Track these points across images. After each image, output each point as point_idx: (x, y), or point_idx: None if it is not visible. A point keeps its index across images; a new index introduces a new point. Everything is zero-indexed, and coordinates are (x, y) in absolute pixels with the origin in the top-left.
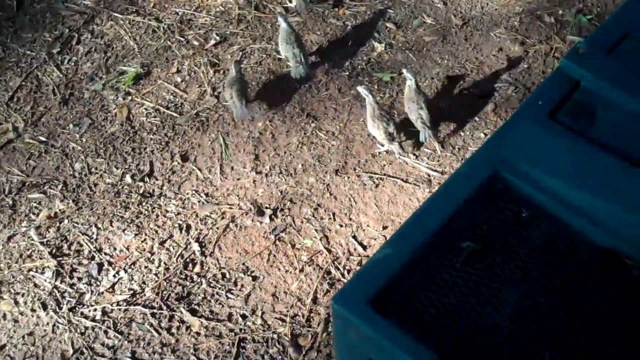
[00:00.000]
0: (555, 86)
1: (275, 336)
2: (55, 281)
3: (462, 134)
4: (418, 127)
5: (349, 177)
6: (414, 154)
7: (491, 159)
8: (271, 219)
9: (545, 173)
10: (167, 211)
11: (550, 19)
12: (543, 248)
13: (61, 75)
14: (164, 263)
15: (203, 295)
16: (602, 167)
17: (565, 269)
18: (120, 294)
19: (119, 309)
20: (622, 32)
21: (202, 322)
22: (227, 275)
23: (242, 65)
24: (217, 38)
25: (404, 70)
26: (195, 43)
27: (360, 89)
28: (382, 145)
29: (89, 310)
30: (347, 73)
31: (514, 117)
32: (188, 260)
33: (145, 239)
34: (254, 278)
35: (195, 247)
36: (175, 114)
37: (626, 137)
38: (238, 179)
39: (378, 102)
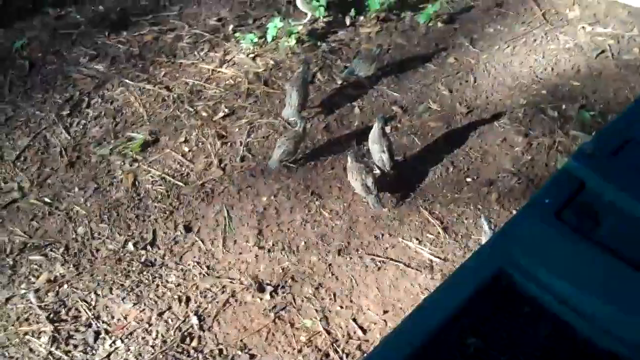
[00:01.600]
0: (561, 185)
1: None
2: (51, 347)
3: (465, 221)
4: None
5: (351, 258)
6: (417, 239)
7: (497, 255)
8: (272, 296)
9: (550, 273)
10: (167, 281)
11: (554, 112)
12: (547, 347)
13: (69, 138)
14: (162, 335)
15: None
16: (605, 271)
17: None
18: None
19: None
20: (627, 134)
21: None
22: (225, 352)
23: (249, 139)
24: (226, 110)
25: (377, 118)
26: (204, 114)
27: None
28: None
29: None
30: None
31: (521, 213)
32: (186, 333)
33: (144, 309)
34: (252, 356)
35: (194, 320)
36: (180, 184)
37: (630, 240)
38: (240, 253)
39: (357, 159)
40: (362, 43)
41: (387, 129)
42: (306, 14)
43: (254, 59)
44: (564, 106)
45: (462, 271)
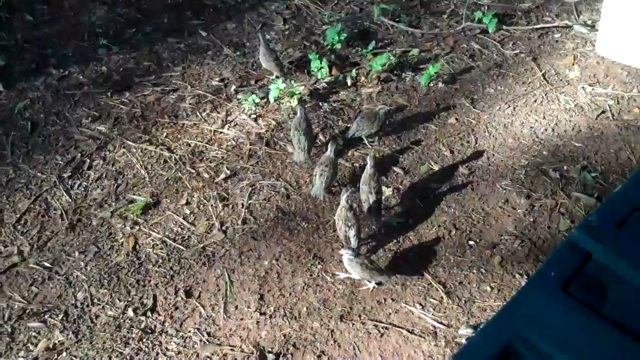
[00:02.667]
0: (567, 257)
1: None
2: None
3: (468, 285)
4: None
5: (354, 324)
6: (420, 304)
7: (504, 330)
8: None
9: (557, 348)
10: (167, 349)
11: (556, 174)
12: None
13: (70, 200)
14: None
15: None
16: (613, 347)
17: None
18: None
19: None
20: (631, 206)
21: None
22: None
23: (250, 201)
24: (228, 172)
25: (367, 157)
26: (206, 175)
27: (343, 197)
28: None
29: None
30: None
31: (527, 287)
32: None
33: None
34: None
35: None
36: (181, 247)
37: (637, 314)
38: (242, 319)
39: (351, 208)
40: (363, 103)
41: (389, 191)
42: (309, 75)
43: (255, 119)
44: (565, 167)
45: (469, 347)
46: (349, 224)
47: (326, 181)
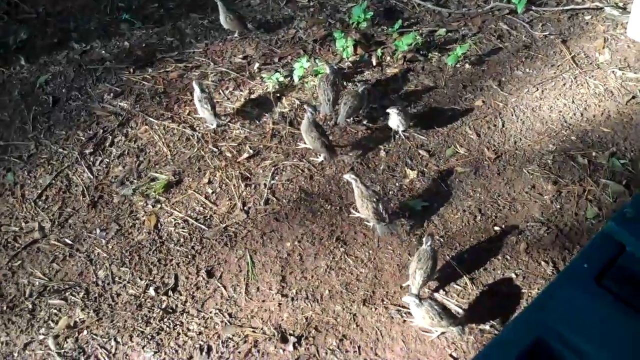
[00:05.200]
0: (601, 249)
1: None
2: None
3: (492, 272)
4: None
5: (376, 309)
6: (444, 289)
7: (535, 325)
8: (295, 347)
9: (589, 342)
10: (188, 329)
11: (584, 160)
12: None
13: (92, 177)
14: None
15: None
16: None
17: None
18: None
19: None
20: None
21: None
22: None
23: (273, 182)
24: (250, 151)
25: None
26: (228, 154)
27: (346, 176)
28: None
29: None
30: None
31: (559, 279)
32: None
33: (164, 358)
34: None
35: None
36: (203, 227)
37: None
38: (263, 301)
39: (365, 184)
40: (389, 84)
41: (414, 174)
42: (335, 53)
43: (279, 98)
44: (594, 153)
45: (499, 342)
46: (374, 199)
47: (348, 111)
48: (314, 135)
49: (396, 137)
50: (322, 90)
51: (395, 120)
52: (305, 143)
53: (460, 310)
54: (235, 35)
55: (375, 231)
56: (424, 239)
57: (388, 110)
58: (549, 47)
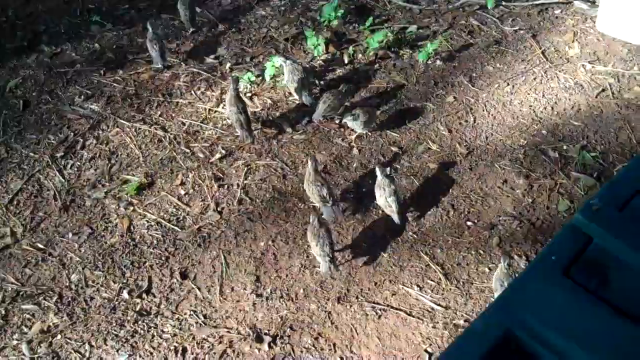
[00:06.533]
0: (568, 241)
1: None
2: None
3: (466, 267)
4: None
5: (351, 306)
6: (418, 286)
7: (504, 316)
8: (270, 347)
9: (558, 335)
10: (163, 332)
11: (555, 153)
12: None
13: (63, 181)
14: None
15: None
16: (614, 332)
17: None
18: None
19: None
20: (634, 188)
21: None
22: None
23: (246, 182)
24: (223, 152)
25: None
26: (201, 155)
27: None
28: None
29: None
30: (352, 196)
31: (528, 272)
32: None
33: None
34: None
35: None
36: (177, 228)
37: (639, 299)
38: (238, 301)
39: (316, 169)
40: (360, 81)
41: (387, 171)
42: (307, 52)
43: (251, 98)
44: (564, 147)
45: (469, 335)
46: (319, 184)
47: (326, 109)
48: (234, 110)
49: (367, 136)
50: (292, 84)
51: (351, 125)
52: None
53: (435, 306)
54: (158, 65)
55: (323, 214)
56: (377, 170)
57: (343, 120)
58: (519, 42)
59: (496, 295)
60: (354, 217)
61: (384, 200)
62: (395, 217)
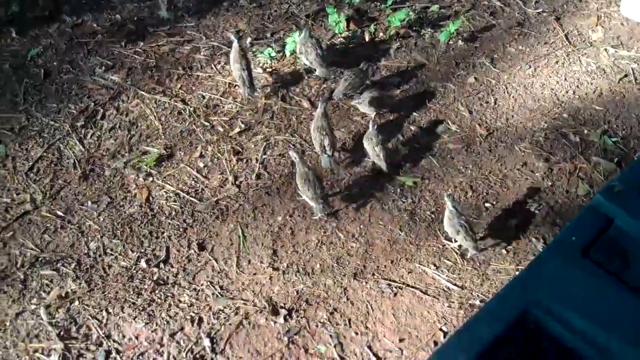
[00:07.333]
0: (588, 222)
1: None
2: None
3: (483, 248)
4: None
5: (367, 283)
6: (434, 265)
7: (522, 296)
8: (285, 320)
9: (577, 315)
10: (180, 301)
11: (576, 137)
12: None
13: (83, 150)
14: (173, 357)
15: None
16: (632, 312)
17: None
18: None
19: None
20: None
21: None
22: None
23: (264, 156)
24: (242, 126)
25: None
26: (220, 129)
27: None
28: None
29: None
30: (370, 174)
31: (547, 252)
32: (198, 356)
33: (155, 329)
34: None
35: (206, 342)
36: (195, 200)
37: None
38: (254, 274)
39: (325, 114)
40: (380, 60)
41: (405, 150)
42: (327, 29)
43: (271, 73)
44: (585, 131)
45: (486, 314)
46: (324, 132)
47: (347, 87)
48: (237, 66)
49: (386, 114)
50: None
51: (361, 108)
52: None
53: (452, 286)
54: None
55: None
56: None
57: (352, 102)
58: (542, 25)
59: (456, 237)
60: (371, 195)
61: (372, 149)
62: (383, 165)
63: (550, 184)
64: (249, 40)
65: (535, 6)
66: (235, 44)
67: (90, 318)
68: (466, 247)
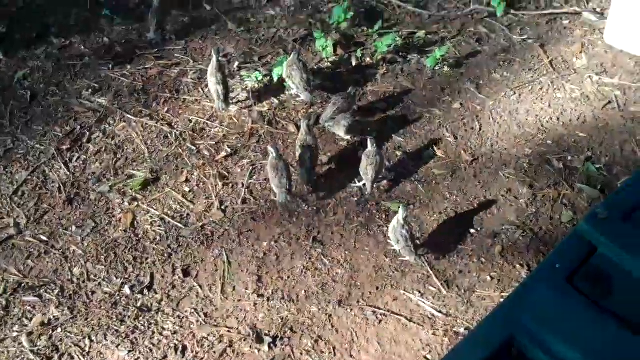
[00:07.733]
0: (572, 249)
1: None
2: None
3: (468, 274)
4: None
5: (352, 310)
6: (419, 292)
7: (507, 321)
8: (270, 348)
9: (560, 341)
10: (163, 329)
11: (559, 164)
12: None
13: (68, 173)
14: None
15: None
16: (615, 340)
17: None
18: None
19: None
20: (638, 200)
21: None
22: None
23: (251, 181)
24: (229, 150)
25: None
26: (206, 153)
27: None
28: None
29: None
30: (356, 199)
31: (532, 279)
32: None
33: (138, 357)
34: None
35: None
36: (180, 225)
37: None
38: (239, 300)
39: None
40: (368, 85)
41: (391, 176)
42: (315, 53)
43: (258, 97)
44: (569, 157)
45: (471, 339)
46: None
47: (335, 111)
48: (213, 80)
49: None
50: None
51: (334, 131)
52: None
53: (436, 313)
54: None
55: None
56: (368, 141)
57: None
58: (527, 51)
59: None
60: (357, 221)
61: (365, 167)
62: (368, 186)
63: (534, 210)
64: (236, 63)
65: (521, 33)
66: (213, 59)
67: (72, 346)
68: (404, 255)
